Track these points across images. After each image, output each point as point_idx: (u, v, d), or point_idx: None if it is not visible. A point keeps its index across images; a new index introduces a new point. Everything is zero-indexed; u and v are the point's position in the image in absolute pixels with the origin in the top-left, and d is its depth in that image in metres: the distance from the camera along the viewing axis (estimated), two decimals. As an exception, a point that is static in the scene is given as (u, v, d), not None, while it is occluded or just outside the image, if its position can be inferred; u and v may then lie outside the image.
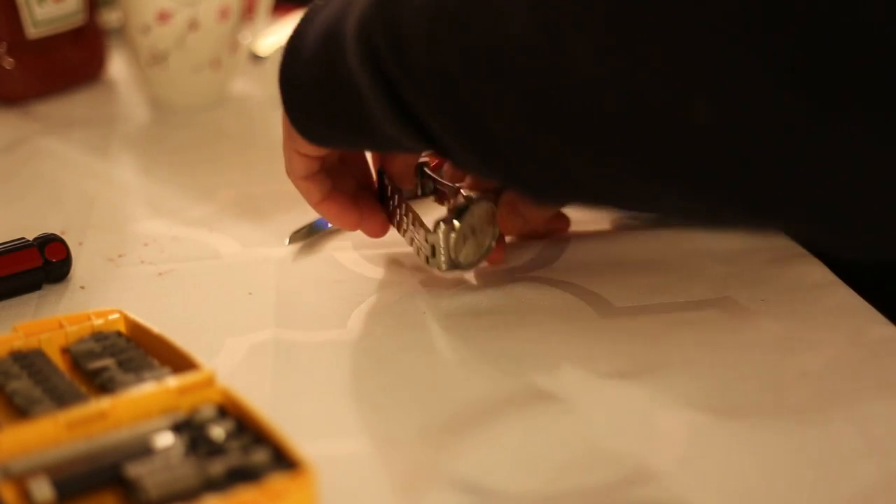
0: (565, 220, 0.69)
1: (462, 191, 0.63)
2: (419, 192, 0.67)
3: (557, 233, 0.69)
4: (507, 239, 0.69)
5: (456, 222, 0.61)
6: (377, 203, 0.67)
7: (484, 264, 0.66)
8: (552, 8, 0.45)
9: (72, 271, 0.67)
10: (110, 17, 1.06)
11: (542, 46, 0.46)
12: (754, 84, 0.41)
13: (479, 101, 0.49)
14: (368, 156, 0.68)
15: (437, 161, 0.64)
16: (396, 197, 0.65)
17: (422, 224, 0.63)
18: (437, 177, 0.66)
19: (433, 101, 0.51)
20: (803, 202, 0.45)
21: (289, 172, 0.64)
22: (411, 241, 0.64)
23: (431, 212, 0.67)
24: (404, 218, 0.64)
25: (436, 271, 0.64)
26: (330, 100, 0.57)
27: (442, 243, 0.62)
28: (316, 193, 0.65)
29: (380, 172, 0.67)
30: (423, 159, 0.64)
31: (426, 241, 0.62)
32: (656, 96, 0.44)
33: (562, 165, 0.49)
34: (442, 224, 0.61)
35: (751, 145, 0.43)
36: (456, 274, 0.65)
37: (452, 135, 0.51)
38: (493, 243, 0.64)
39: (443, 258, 0.62)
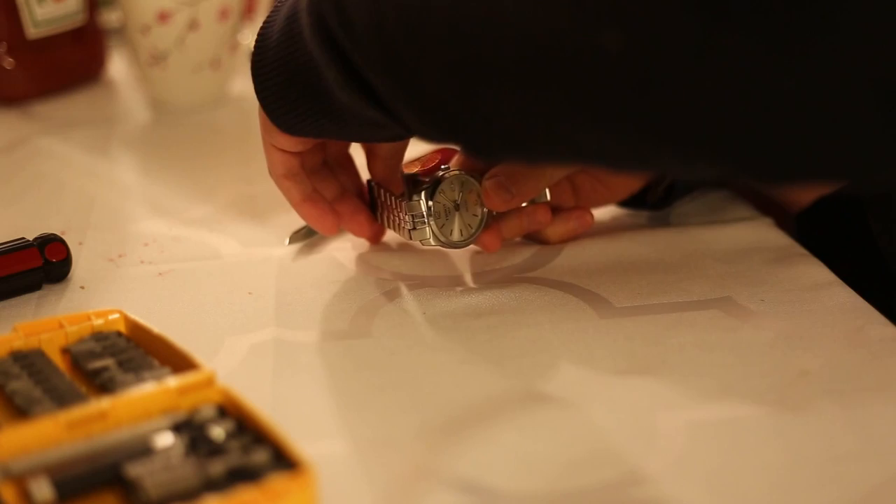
0: (548, 210, 0.69)
1: (442, 166, 0.65)
2: (407, 197, 0.67)
3: (546, 225, 0.69)
4: (517, 239, 0.69)
5: (427, 194, 0.63)
6: (361, 204, 0.68)
7: (478, 249, 0.67)
8: None
9: (72, 271, 0.67)
10: (110, 17, 1.06)
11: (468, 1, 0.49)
12: (660, 8, 0.43)
13: (414, 58, 0.51)
14: (357, 159, 0.69)
15: (428, 167, 0.65)
16: (383, 192, 0.66)
17: (401, 199, 0.64)
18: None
19: (376, 64, 0.52)
20: (715, 127, 0.46)
21: (270, 171, 0.66)
22: (395, 224, 0.66)
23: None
24: (387, 201, 0.65)
25: (419, 245, 0.65)
26: (293, 80, 0.58)
27: (423, 209, 0.63)
28: (296, 193, 0.66)
29: (369, 183, 0.68)
30: (413, 170, 0.65)
31: (406, 213, 0.64)
32: (571, 30, 0.46)
33: (493, 116, 0.50)
34: (420, 193, 0.63)
35: (660, 71, 0.45)
36: (434, 247, 0.66)
37: (396, 96, 0.53)
38: (484, 219, 0.65)
39: (427, 230, 0.64)
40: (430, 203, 0.63)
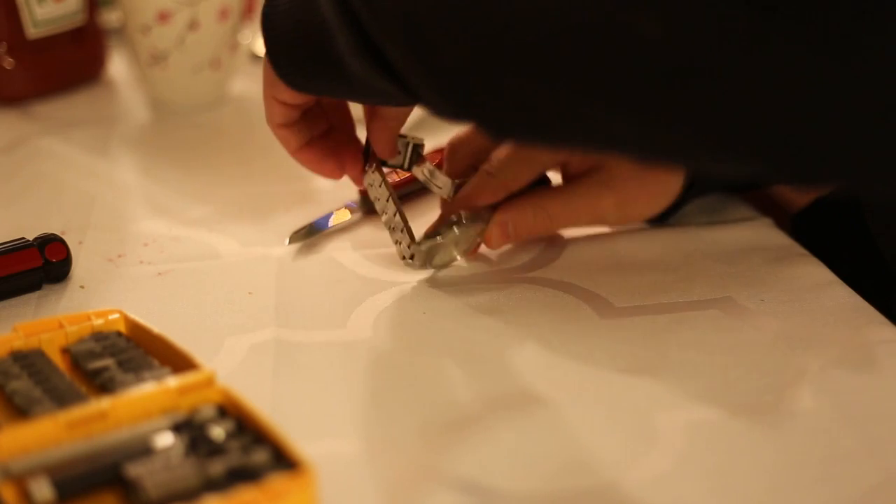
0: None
1: (462, 212, 0.65)
2: (405, 165, 0.66)
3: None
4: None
5: (443, 238, 0.64)
6: (348, 144, 0.67)
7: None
8: None
9: (72, 271, 0.67)
10: (110, 17, 1.06)
11: None
12: None
13: (435, 32, 0.49)
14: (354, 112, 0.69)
15: (437, 161, 0.64)
16: (374, 165, 0.65)
17: (407, 228, 0.64)
18: (431, 166, 0.66)
19: (393, 34, 0.51)
20: (751, 123, 0.44)
21: (268, 120, 0.65)
22: (390, 231, 0.65)
23: (418, 210, 0.68)
24: (388, 204, 0.65)
25: (408, 268, 0.65)
26: (305, 40, 0.57)
27: (426, 256, 0.64)
28: (294, 141, 0.65)
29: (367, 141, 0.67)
30: (418, 140, 0.65)
31: (409, 247, 0.64)
32: (607, 13, 0.44)
33: (517, 96, 0.49)
34: (433, 238, 0.64)
35: (699, 62, 0.43)
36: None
37: (412, 69, 0.51)
38: (472, 245, 0.66)
39: (420, 264, 0.64)
40: (438, 249, 0.64)
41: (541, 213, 0.66)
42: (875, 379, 0.55)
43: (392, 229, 0.65)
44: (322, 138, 0.66)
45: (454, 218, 0.64)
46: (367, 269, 0.67)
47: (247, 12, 0.96)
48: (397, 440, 0.52)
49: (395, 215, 0.64)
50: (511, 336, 0.60)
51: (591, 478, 0.49)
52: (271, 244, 0.71)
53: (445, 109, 0.53)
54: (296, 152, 0.66)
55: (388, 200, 0.65)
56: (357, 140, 0.67)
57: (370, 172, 0.65)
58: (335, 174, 0.67)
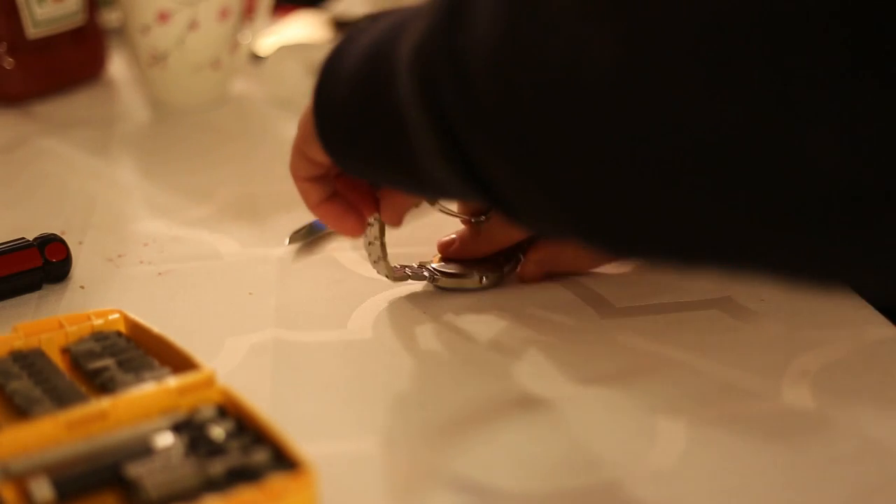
0: None
1: (490, 275, 0.64)
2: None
3: None
4: None
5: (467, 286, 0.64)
6: (361, 191, 0.63)
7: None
8: (644, 34, 0.39)
9: (72, 271, 0.67)
10: (110, 17, 1.07)
11: (633, 80, 0.39)
12: (889, 113, 0.36)
13: (560, 143, 0.42)
14: None
15: None
16: (377, 225, 0.63)
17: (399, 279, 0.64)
18: (440, 206, 0.64)
19: (501, 144, 0.44)
20: None
21: (292, 172, 0.62)
22: (370, 254, 0.64)
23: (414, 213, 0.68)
24: (380, 261, 0.63)
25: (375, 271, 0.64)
26: (369, 130, 0.53)
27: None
28: (315, 195, 0.62)
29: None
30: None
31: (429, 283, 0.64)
32: (771, 129, 0.37)
33: (658, 214, 0.42)
34: (456, 281, 0.64)
35: (885, 188, 0.37)
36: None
37: (518, 181, 0.45)
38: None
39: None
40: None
41: (581, 253, 0.64)
42: (875, 379, 0.55)
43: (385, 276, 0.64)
44: (336, 182, 0.62)
45: (481, 278, 0.64)
46: (367, 269, 0.67)
47: (247, 12, 0.96)
48: (398, 440, 0.52)
49: (384, 274, 0.63)
50: (511, 336, 0.60)
51: (591, 477, 0.49)
52: (271, 244, 0.71)
53: (553, 228, 0.47)
54: (315, 206, 0.62)
55: (378, 258, 0.63)
56: (368, 186, 0.63)
57: (370, 229, 0.63)
58: (355, 231, 0.62)
